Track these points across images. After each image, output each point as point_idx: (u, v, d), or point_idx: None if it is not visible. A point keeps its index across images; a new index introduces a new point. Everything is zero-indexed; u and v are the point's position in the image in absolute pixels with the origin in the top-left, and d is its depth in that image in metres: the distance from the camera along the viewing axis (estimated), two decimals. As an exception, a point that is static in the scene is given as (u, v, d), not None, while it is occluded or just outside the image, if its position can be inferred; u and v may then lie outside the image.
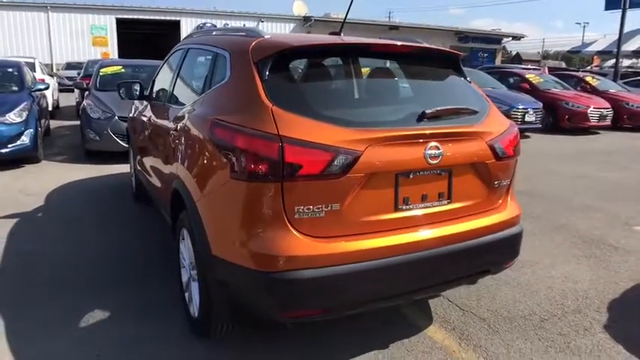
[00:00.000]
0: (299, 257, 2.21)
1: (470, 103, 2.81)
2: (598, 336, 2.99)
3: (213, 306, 2.59)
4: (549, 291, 3.58)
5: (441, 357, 2.75)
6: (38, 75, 12.51)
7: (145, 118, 4.39)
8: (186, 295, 2.97)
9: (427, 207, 2.50)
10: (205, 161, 2.58)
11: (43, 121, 8.44)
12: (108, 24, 28.97)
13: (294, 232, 2.22)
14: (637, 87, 16.96)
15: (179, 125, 3.06)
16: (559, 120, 12.95)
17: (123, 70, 9.43)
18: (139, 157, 4.81)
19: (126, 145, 6.31)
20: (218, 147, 2.42)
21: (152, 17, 30.11)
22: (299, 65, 2.92)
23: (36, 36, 27.30)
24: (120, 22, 29.23)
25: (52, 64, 26.10)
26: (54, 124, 11.13)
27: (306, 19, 32.30)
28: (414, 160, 2.40)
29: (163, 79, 4.23)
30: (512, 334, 2.99)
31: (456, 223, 2.57)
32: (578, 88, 15.06)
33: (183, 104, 3.30)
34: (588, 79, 15.92)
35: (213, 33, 3.63)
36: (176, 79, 3.79)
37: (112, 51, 28.80)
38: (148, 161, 4.24)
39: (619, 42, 20.66)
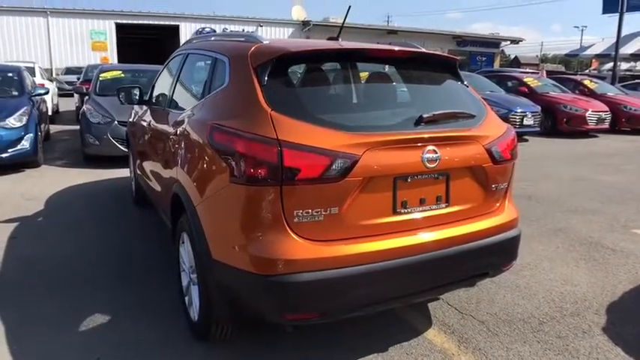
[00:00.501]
0: (298, 261, 2.22)
1: (467, 107, 2.83)
2: (597, 338, 3.00)
3: (212, 309, 2.60)
4: (548, 294, 3.59)
5: (440, 360, 2.77)
6: (38, 80, 12.58)
7: (144, 123, 4.41)
8: (186, 298, 2.98)
9: (425, 210, 2.52)
10: (205, 165, 2.60)
11: (43, 125, 8.46)
12: (107, 29, 29.06)
13: (294, 236, 2.24)
14: (635, 90, 16.98)
15: (179, 130, 3.08)
16: (557, 123, 12.98)
17: (122, 75, 9.45)
18: (138, 162, 4.83)
19: (125, 150, 6.33)
20: (217, 151, 2.44)
21: (151, 22, 30.20)
22: (297, 70, 2.95)
23: (36, 41, 27.38)
24: (119, 27, 29.31)
25: (51, 69, 26.17)
26: (54, 128, 11.16)
27: (305, 23, 32.40)
28: (412, 164, 2.42)
29: (163, 84, 4.25)
30: (511, 337, 3.01)
31: (454, 227, 2.59)
32: (577, 92, 15.12)
33: (182, 109, 3.31)
34: (586, 82, 15.95)
35: (212, 38, 3.66)
36: (176, 84, 3.81)
37: (112, 56, 28.88)
38: (148, 166, 4.26)
39: (617, 45, 20.79)
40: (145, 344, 2.84)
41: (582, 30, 65.42)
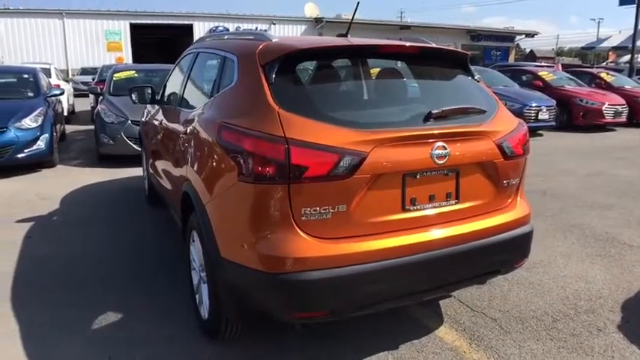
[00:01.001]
0: (307, 259, 2.22)
1: (477, 102, 2.79)
2: (611, 336, 2.96)
3: (222, 307, 2.61)
4: (562, 291, 3.54)
5: (451, 358, 2.74)
6: (54, 80, 12.74)
7: (156, 122, 4.45)
8: (197, 296, 3.00)
9: (435, 207, 2.50)
10: (214, 164, 2.61)
11: (58, 126, 8.58)
12: (122, 29, 29.33)
13: (302, 234, 2.24)
14: (653, 83, 16.66)
15: (189, 128, 3.10)
16: (573, 117, 12.79)
17: (136, 75, 9.55)
18: (151, 161, 4.87)
19: (139, 149, 6.38)
20: (226, 150, 2.45)
21: (165, 22, 30.40)
22: (305, 68, 2.94)
23: (52, 42, 27.76)
24: (134, 27, 29.56)
25: (67, 70, 26.51)
26: (69, 128, 11.30)
27: (318, 20, 32.36)
28: (421, 161, 2.40)
29: (174, 83, 4.28)
30: (523, 334, 2.97)
31: (465, 223, 2.56)
32: (593, 85, 14.87)
33: (192, 107, 3.33)
34: (603, 75, 15.69)
35: (225, 37, 3.66)
36: (186, 83, 3.83)
37: (127, 56, 29.15)
38: (160, 164, 4.29)
39: (634, 37, 20.40)
40: (155, 343, 2.86)
41: (599, 22, 64.15)
